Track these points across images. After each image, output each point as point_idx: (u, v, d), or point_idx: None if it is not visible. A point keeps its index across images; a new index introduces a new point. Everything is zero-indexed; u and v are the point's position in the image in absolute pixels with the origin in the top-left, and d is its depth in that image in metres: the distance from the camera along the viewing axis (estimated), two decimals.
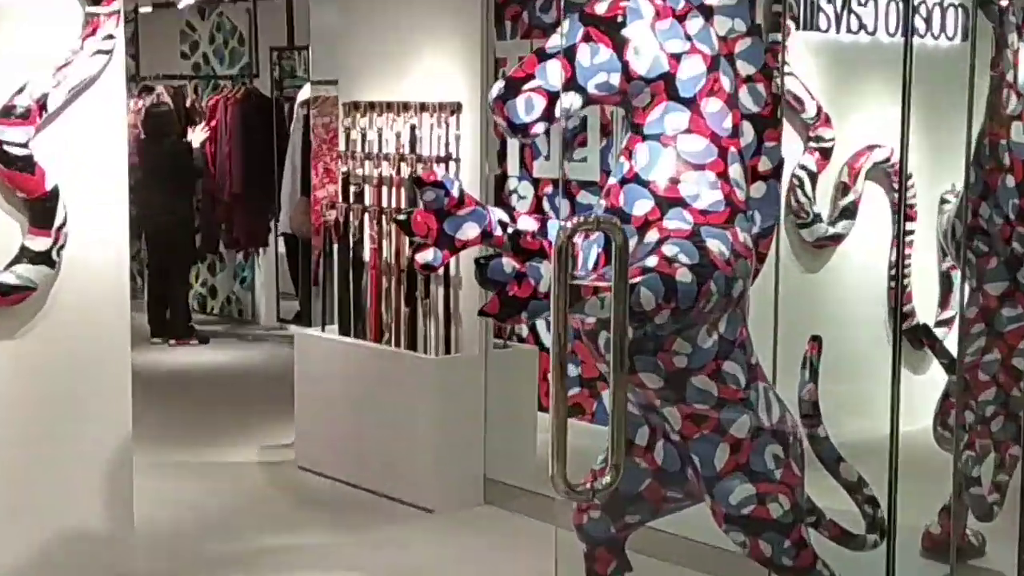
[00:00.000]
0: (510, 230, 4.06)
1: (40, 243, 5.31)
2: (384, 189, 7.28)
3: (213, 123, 11.93)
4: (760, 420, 4.38)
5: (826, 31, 7.21)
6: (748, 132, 4.32)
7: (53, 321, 5.52)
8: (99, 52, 5.43)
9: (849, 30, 7.25)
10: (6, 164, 5.21)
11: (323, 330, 7.94)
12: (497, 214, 4.12)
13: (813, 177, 7.06)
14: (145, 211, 10.69)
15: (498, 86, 4.07)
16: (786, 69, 6.81)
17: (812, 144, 7.05)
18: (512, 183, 8.43)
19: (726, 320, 4.26)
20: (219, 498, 7.41)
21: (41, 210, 5.33)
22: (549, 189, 8.31)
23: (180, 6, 12.42)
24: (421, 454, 6.96)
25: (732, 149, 4.27)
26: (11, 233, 5.36)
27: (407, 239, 5.54)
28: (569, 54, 4.10)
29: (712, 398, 4.29)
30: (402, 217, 4.24)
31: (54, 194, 5.33)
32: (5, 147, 5.19)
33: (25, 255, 5.32)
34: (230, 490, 7.60)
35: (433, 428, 6.91)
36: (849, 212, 7.18)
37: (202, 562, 6.27)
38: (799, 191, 7.02)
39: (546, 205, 8.29)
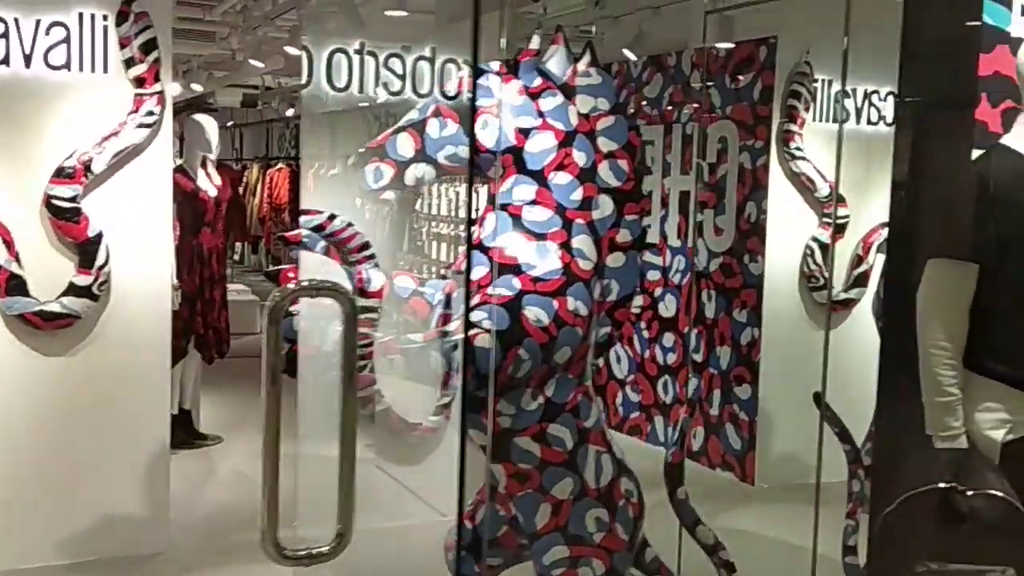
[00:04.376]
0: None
1: (83, 280, 6.08)
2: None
3: None
4: (585, 483, 4.32)
5: (846, 122, 7.57)
6: (606, 205, 4.34)
7: (102, 342, 6.21)
8: (142, 125, 6.12)
9: (869, 122, 7.65)
10: (56, 215, 6.01)
11: None
12: (369, 272, 4.20)
13: (824, 248, 7.54)
14: None
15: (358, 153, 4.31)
16: (799, 154, 7.40)
17: (826, 220, 7.54)
18: None
19: (555, 384, 4.24)
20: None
21: (85, 252, 6.10)
22: None
23: None
24: None
25: (579, 221, 4.27)
26: (63, 271, 6.10)
27: None
28: (419, 128, 4.28)
29: (534, 459, 4.29)
30: (270, 269, 4.46)
31: (96, 239, 6.09)
32: (55, 201, 5.98)
33: (71, 290, 6.09)
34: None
35: None
36: (861, 281, 7.61)
37: (228, 544, 6.70)
38: (811, 259, 7.51)
39: None
